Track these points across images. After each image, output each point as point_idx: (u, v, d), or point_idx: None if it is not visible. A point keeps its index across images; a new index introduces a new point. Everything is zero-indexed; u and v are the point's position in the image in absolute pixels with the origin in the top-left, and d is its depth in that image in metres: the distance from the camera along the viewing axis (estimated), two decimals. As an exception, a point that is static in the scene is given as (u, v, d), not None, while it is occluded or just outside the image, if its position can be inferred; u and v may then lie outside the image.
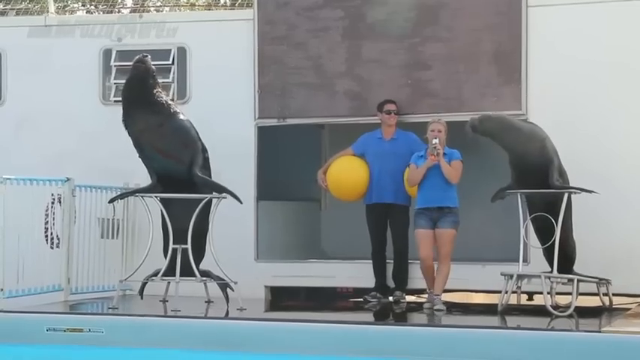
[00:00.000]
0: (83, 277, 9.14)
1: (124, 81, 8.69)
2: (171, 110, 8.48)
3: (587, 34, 8.79)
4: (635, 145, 8.45)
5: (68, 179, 8.99)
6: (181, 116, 8.51)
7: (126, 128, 8.46)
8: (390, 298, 9.07)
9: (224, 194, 8.42)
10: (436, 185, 8.41)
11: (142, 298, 8.59)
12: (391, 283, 9.15)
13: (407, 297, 9.11)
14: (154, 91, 8.41)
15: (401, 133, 9.12)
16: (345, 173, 9.19)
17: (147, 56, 8.43)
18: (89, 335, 7.63)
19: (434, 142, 8.32)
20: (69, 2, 21.72)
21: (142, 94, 8.36)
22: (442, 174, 8.38)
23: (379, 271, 9.12)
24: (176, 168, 8.36)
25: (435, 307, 8.32)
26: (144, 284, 8.54)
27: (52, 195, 8.86)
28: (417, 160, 8.54)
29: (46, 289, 8.72)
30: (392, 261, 9.13)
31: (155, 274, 8.43)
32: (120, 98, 9.40)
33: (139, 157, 8.48)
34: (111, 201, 8.87)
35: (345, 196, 9.31)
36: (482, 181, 9.10)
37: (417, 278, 8.97)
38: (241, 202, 8.59)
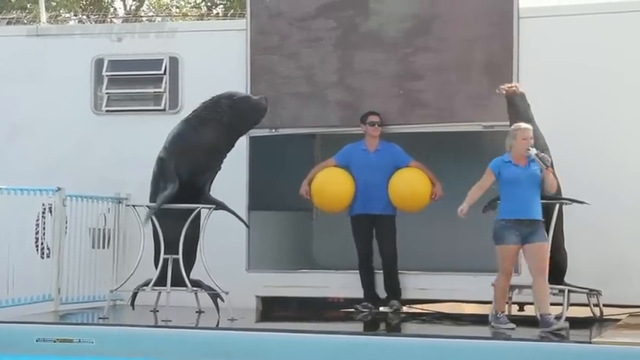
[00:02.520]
0: (74, 287, 9.12)
1: (116, 90, 8.65)
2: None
3: (579, 45, 8.82)
4: (628, 155, 8.47)
5: (59, 189, 8.97)
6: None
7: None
8: (386, 308, 9.04)
9: (214, 206, 8.41)
10: (522, 197, 7.73)
11: (133, 308, 8.57)
12: (381, 293, 9.13)
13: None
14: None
15: (385, 144, 9.12)
16: (330, 185, 9.17)
17: None
18: (79, 346, 7.60)
19: (536, 152, 7.67)
20: (61, 12, 21.72)
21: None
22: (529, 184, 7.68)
23: (367, 282, 9.12)
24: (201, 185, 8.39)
25: (555, 328, 7.54)
26: (135, 294, 8.52)
27: (43, 205, 8.85)
28: (502, 167, 7.79)
29: (36, 299, 8.70)
30: (380, 271, 9.10)
31: (146, 284, 8.41)
32: (113, 108, 9.43)
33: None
34: (146, 218, 8.32)
35: (329, 208, 9.30)
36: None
37: (408, 289, 8.96)
38: (248, 227, 8.83)
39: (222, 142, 8.43)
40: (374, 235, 9.16)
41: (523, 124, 7.82)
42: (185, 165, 8.33)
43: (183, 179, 8.33)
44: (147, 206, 8.38)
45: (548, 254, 7.65)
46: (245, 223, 8.91)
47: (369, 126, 9.09)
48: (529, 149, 7.68)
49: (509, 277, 7.81)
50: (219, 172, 8.87)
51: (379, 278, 9.14)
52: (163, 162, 8.36)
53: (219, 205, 8.42)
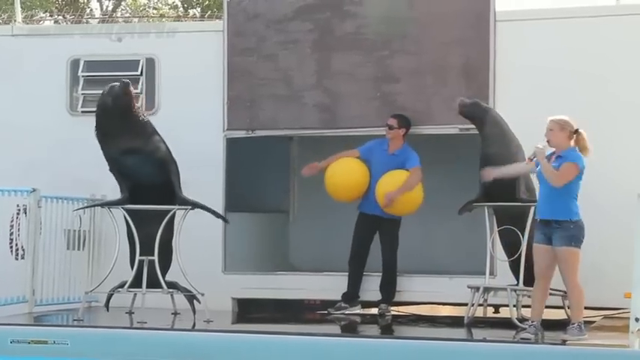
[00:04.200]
0: (48, 288, 9.06)
1: (92, 91, 8.60)
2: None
3: (555, 48, 8.87)
4: (604, 158, 8.53)
5: (34, 190, 8.92)
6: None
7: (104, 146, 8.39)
8: (368, 310, 9.06)
9: (190, 207, 8.39)
10: (543, 195, 7.43)
11: (107, 310, 8.54)
12: (365, 295, 9.10)
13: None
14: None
15: (405, 149, 9.00)
16: (345, 175, 9.04)
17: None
18: (54, 347, 7.55)
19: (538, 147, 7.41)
20: (37, 12, 21.60)
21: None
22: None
23: (351, 280, 9.08)
24: (155, 184, 8.34)
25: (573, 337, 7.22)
26: (110, 296, 8.49)
27: (18, 206, 8.79)
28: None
29: (10, 301, 8.64)
30: (372, 274, 9.07)
31: (121, 286, 8.38)
32: (89, 109, 9.40)
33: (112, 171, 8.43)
34: (77, 210, 8.80)
35: (335, 195, 9.17)
36: (449, 194, 9.14)
37: (406, 291, 8.96)
38: (227, 221, 8.82)
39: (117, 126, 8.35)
40: (376, 237, 9.10)
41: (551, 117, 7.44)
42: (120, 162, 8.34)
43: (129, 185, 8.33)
44: (122, 208, 8.35)
45: (572, 259, 7.24)
46: (224, 219, 8.93)
47: (386, 128, 9.05)
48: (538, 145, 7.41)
49: (541, 281, 7.39)
50: (195, 174, 8.86)
51: (366, 280, 9.09)
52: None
53: (195, 205, 8.41)
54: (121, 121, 8.31)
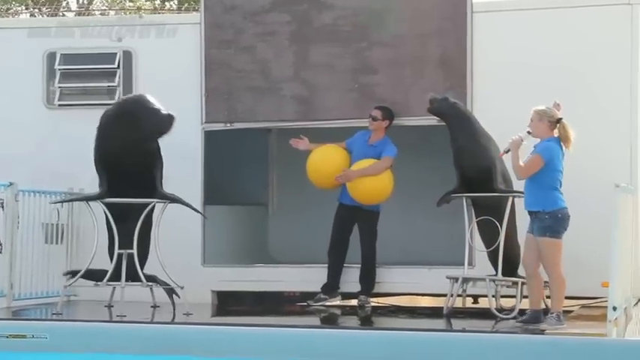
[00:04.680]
0: (27, 282, 9.01)
1: (68, 85, 8.50)
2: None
3: (533, 40, 8.89)
4: (581, 151, 8.56)
5: (11, 184, 8.87)
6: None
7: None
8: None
9: (168, 201, 8.37)
10: (525, 186, 7.51)
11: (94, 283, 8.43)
12: (345, 286, 9.10)
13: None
14: None
15: (384, 141, 8.98)
16: (320, 160, 9.05)
17: None
18: (33, 341, 7.51)
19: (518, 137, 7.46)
20: (12, 5, 21.46)
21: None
22: (536, 174, 7.35)
23: (331, 270, 9.09)
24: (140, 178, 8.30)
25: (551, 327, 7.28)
26: (88, 271, 8.36)
27: (-5, 200, 8.75)
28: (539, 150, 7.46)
29: (-12, 295, 8.61)
30: (352, 265, 9.08)
31: (99, 272, 8.30)
32: (65, 102, 9.33)
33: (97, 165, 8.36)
34: (54, 202, 8.81)
35: (314, 180, 9.15)
36: (428, 185, 9.17)
37: (385, 282, 8.97)
38: (205, 217, 8.90)
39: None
40: (356, 228, 9.10)
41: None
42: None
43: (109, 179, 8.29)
44: (101, 201, 8.31)
45: (549, 249, 7.31)
46: (202, 214, 8.97)
47: (370, 120, 9.04)
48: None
49: (528, 270, 7.46)
50: (173, 167, 8.83)
51: (346, 271, 9.09)
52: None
53: (174, 200, 8.39)
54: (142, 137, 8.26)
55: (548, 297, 7.70)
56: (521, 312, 7.85)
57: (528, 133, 7.51)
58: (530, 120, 7.49)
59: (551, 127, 7.46)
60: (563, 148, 7.48)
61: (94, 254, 8.35)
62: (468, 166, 8.27)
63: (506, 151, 7.59)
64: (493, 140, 8.33)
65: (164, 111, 8.25)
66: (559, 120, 7.45)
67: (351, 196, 8.90)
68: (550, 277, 7.42)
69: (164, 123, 8.20)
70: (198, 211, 8.80)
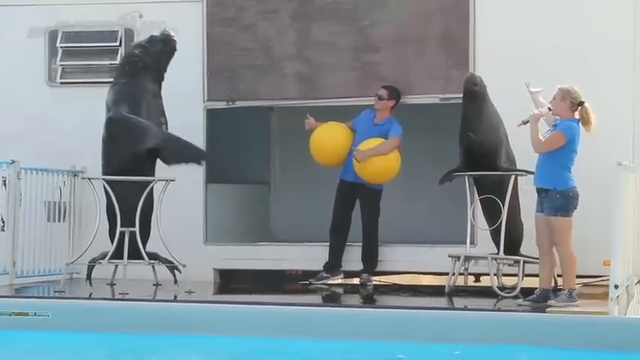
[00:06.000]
0: (29, 260, 9.03)
1: (70, 62, 8.45)
2: None
3: (536, 18, 8.85)
4: (583, 130, 8.55)
5: (13, 162, 8.87)
6: None
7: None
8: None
9: (173, 178, 8.37)
10: (538, 162, 7.47)
11: (89, 283, 8.52)
12: (347, 265, 9.11)
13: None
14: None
15: (389, 120, 8.96)
16: (324, 137, 9.03)
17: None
18: (35, 319, 7.55)
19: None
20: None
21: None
22: (554, 151, 7.33)
23: (333, 249, 9.08)
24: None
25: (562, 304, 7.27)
26: (91, 267, 8.48)
27: (-3, 177, 8.75)
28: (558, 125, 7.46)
29: (-10, 273, 8.63)
30: (354, 244, 9.07)
31: (102, 257, 8.37)
32: (67, 80, 9.30)
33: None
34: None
35: (316, 157, 9.15)
36: (430, 163, 9.16)
37: (387, 261, 8.97)
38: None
39: (157, 86, 8.56)
40: (358, 205, 9.08)
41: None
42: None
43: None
44: (102, 179, 8.33)
45: (560, 228, 7.32)
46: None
47: (376, 98, 9.02)
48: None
49: (543, 248, 7.45)
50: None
51: (348, 250, 9.08)
52: (119, 117, 8.36)
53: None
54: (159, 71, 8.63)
55: (559, 275, 7.72)
56: (523, 291, 7.85)
57: (549, 109, 7.49)
58: (553, 97, 7.46)
59: (572, 107, 7.45)
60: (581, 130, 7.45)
61: (97, 232, 8.35)
62: (479, 146, 8.21)
63: (525, 122, 7.57)
64: (502, 121, 8.31)
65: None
66: (581, 103, 7.43)
67: (359, 175, 8.88)
68: (561, 256, 7.44)
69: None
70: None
